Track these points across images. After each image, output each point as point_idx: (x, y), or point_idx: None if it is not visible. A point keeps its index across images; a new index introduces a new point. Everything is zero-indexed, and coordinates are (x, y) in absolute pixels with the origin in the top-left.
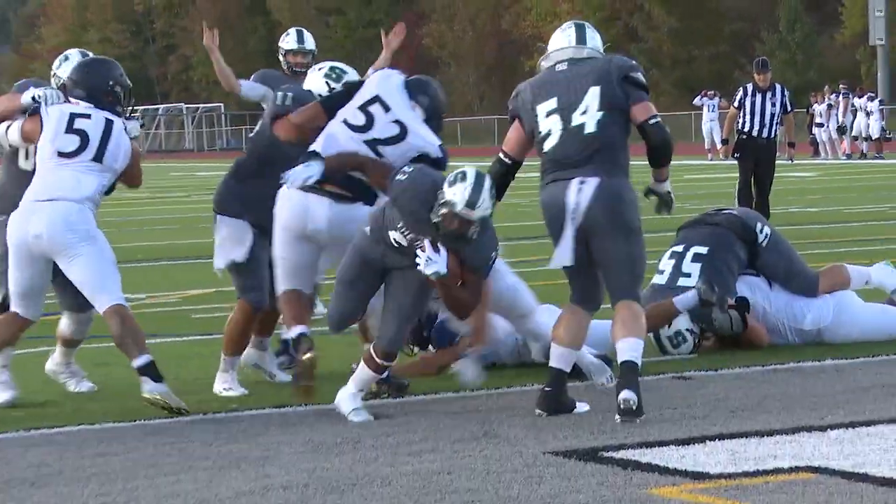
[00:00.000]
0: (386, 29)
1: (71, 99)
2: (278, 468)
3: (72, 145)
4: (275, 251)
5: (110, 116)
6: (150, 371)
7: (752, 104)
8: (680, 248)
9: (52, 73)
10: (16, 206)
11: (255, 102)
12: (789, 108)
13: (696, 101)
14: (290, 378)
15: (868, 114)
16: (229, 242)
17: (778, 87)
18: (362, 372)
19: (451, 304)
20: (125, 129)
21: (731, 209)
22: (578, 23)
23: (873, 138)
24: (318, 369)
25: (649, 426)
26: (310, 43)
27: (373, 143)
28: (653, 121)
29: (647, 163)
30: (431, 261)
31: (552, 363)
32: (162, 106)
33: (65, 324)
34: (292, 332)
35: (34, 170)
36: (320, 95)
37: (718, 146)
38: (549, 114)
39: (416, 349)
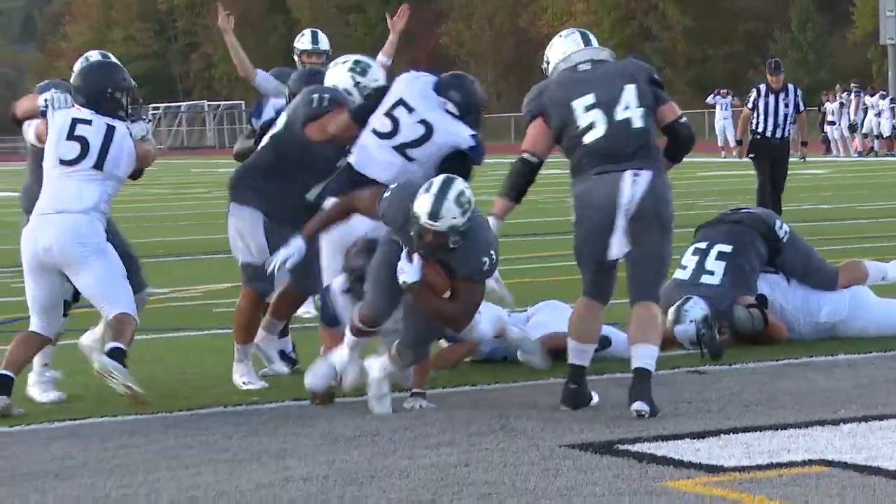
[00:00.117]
0: (390, 13)
1: (76, 105)
2: (298, 460)
3: (72, 153)
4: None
5: (112, 122)
6: (118, 355)
7: (766, 105)
8: (703, 245)
9: (72, 74)
10: None
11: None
12: (801, 108)
13: (709, 99)
14: (287, 370)
15: (879, 112)
16: (241, 239)
17: (790, 87)
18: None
19: (433, 315)
20: (130, 133)
21: (750, 208)
22: (580, 30)
23: (884, 136)
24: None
25: (664, 420)
26: (324, 43)
27: (401, 148)
28: (682, 119)
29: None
30: (402, 270)
31: (573, 360)
32: (184, 103)
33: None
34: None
35: None
36: (347, 91)
37: (732, 144)
38: (588, 108)
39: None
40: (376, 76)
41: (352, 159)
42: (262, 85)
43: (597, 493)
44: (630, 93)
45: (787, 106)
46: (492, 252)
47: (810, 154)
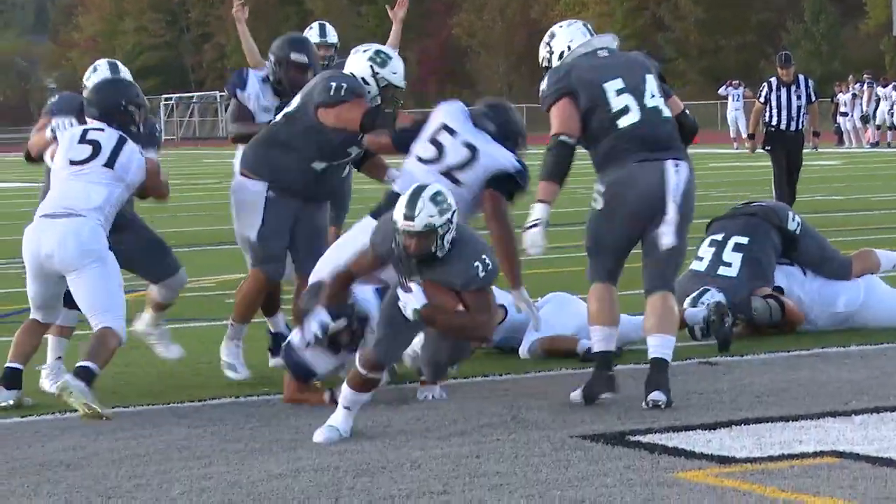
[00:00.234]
0: (391, 3)
1: (88, 119)
2: (309, 451)
3: (83, 153)
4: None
5: (123, 135)
6: (85, 376)
7: (778, 98)
8: (720, 237)
9: (83, 85)
10: None
11: None
12: (813, 99)
13: (721, 90)
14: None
15: (892, 103)
16: (244, 213)
17: (801, 78)
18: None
19: (457, 332)
20: (140, 151)
21: (762, 201)
22: (578, 20)
23: None
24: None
25: (676, 411)
26: (332, 36)
27: (448, 172)
28: (686, 111)
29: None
30: (405, 303)
31: (602, 347)
32: (196, 94)
33: (154, 289)
34: None
35: None
36: (365, 81)
37: (744, 136)
38: (619, 92)
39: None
40: (395, 68)
41: (397, 186)
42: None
43: (608, 484)
44: (651, 83)
45: (799, 98)
46: (483, 257)
47: (823, 145)
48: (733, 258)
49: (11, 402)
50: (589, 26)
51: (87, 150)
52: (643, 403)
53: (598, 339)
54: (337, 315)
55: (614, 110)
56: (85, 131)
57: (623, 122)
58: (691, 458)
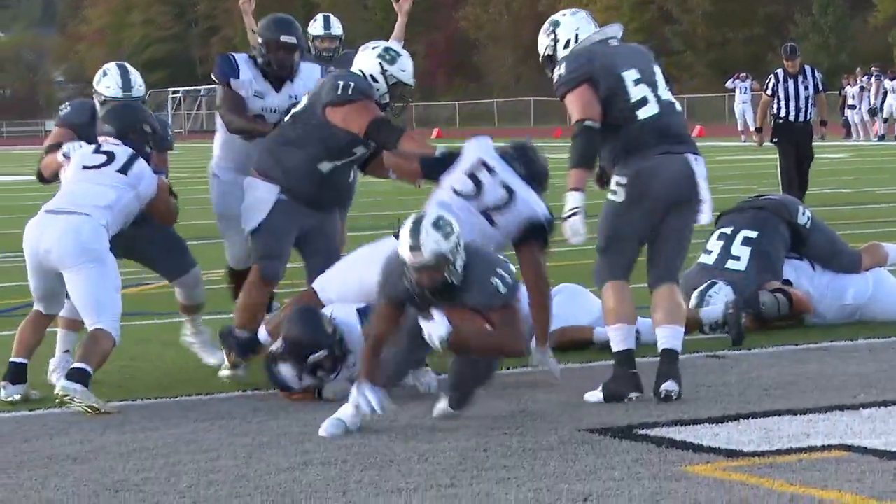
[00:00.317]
0: None
1: (100, 138)
2: (317, 444)
3: (97, 160)
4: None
5: (136, 153)
6: (80, 377)
7: (786, 90)
8: (728, 231)
9: (93, 89)
10: None
11: None
12: (821, 88)
13: (729, 83)
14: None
15: None
16: (249, 210)
17: (808, 69)
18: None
19: (489, 352)
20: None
21: (771, 195)
22: (582, 10)
23: None
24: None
25: (683, 404)
26: (336, 28)
27: (486, 213)
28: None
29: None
30: (429, 333)
31: (624, 345)
32: (204, 87)
33: (178, 293)
34: None
35: None
36: (373, 78)
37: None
38: (636, 82)
39: None
40: (405, 66)
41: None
42: None
43: (616, 478)
44: (660, 75)
45: (806, 89)
46: (499, 270)
47: (830, 138)
48: (742, 252)
49: (18, 396)
50: (592, 15)
51: (101, 157)
52: (654, 394)
53: (618, 338)
54: (319, 347)
55: (633, 100)
56: (99, 145)
57: (643, 114)
58: (699, 452)
